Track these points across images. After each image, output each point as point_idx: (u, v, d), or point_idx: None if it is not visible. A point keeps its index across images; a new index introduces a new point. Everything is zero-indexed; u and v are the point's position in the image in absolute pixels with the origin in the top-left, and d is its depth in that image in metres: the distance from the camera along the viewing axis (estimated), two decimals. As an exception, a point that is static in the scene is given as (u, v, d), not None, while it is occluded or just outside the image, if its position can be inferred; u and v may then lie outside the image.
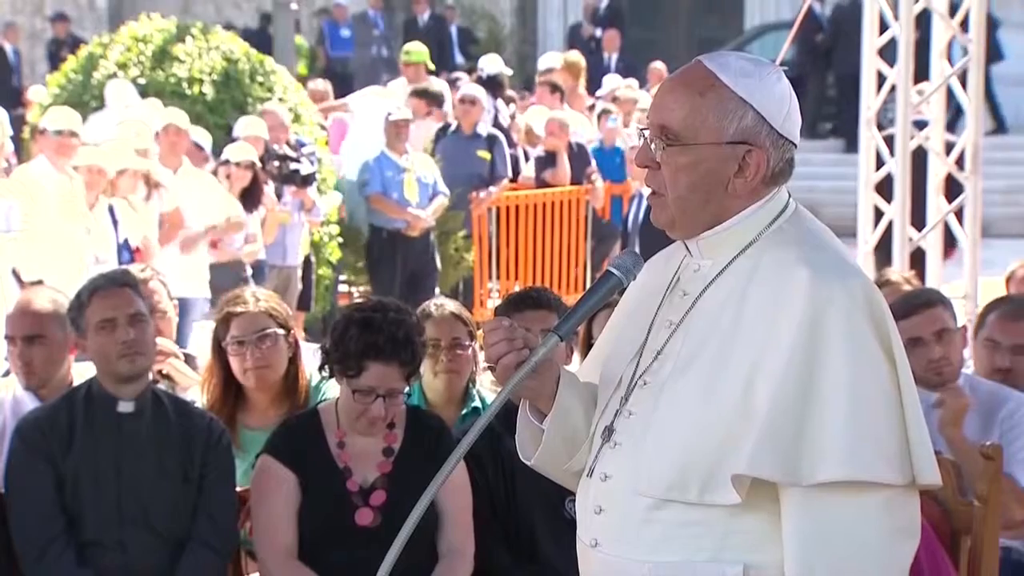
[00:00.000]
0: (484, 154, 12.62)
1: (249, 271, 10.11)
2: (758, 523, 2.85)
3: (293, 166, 10.79)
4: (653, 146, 2.92)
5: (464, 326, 5.33)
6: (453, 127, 12.85)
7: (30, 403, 5.18)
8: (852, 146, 15.53)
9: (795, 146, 2.96)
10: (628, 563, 2.90)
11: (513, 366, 2.91)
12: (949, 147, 9.49)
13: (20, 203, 9.02)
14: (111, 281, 4.81)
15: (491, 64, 15.29)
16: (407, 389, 4.70)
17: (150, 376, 5.34)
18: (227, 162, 10.13)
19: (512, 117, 14.72)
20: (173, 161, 9.87)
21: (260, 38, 13.90)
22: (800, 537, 2.81)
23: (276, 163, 10.72)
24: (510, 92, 15.72)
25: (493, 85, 14.84)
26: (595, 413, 3.04)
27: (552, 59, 16.29)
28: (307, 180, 10.87)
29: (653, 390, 2.93)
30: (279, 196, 10.73)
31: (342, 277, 12.35)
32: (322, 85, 14.91)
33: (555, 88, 14.86)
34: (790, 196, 2.99)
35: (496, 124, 14.00)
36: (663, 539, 2.87)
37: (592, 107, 15.60)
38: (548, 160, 13.09)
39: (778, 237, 2.93)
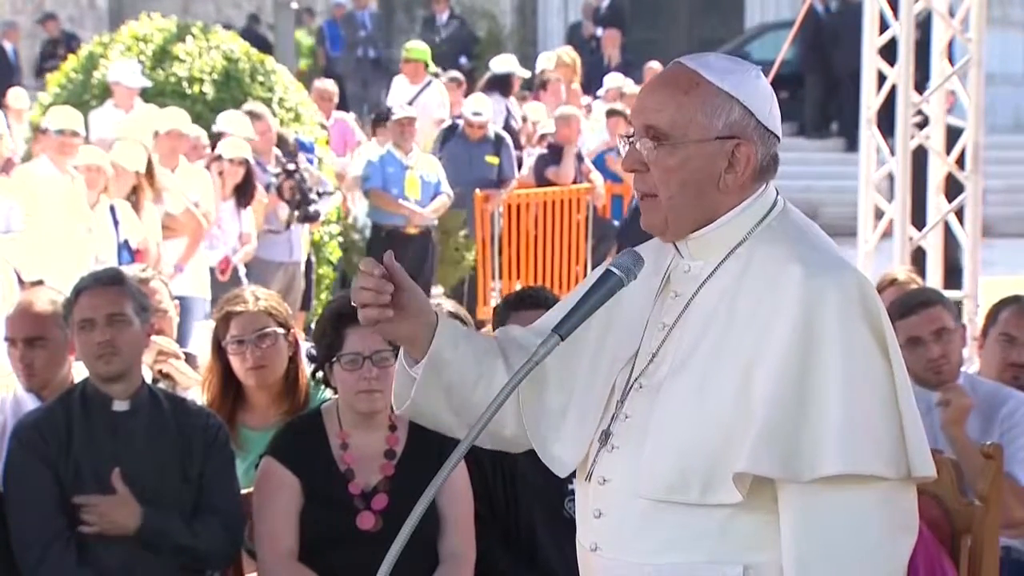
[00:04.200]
0: (492, 159, 12.60)
1: (243, 270, 10.08)
2: (757, 524, 2.85)
3: (311, 206, 10.66)
4: (641, 148, 2.91)
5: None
6: (459, 130, 12.83)
7: (31, 404, 5.15)
8: (852, 146, 15.53)
9: (779, 140, 2.95)
10: (628, 566, 2.89)
11: (374, 320, 2.92)
12: (949, 147, 9.49)
13: (21, 203, 9.03)
14: (97, 281, 4.77)
15: (500, 64, 15.23)
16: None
17: (149, 376, 5.35)
18: (219, 158, 10.04)
19: (524, 120, 14.66)
20: (171, 161, 9.87)
21: (248, 37, 13.82)
22: (797, 533, 2.81)
23: (289, 183, 10.57)
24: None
25: (502, 85, 14.78)
26: (591, 415, 3.00)
27: (546, 59, 16.26)
28: (310, 218, 10.79)
29: (649, 393, 2.91)
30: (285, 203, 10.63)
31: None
32: (331, 85, 14.89)
33: (545, 85, 14.86)
34: (778, 193, 2.99)
35: (507, 125, 13.95)
36: (663, 541, 2.86)
37: (589, 107, 15.57)
38: (551, 158, 13.05)
39: (768, 235, 2.92)
